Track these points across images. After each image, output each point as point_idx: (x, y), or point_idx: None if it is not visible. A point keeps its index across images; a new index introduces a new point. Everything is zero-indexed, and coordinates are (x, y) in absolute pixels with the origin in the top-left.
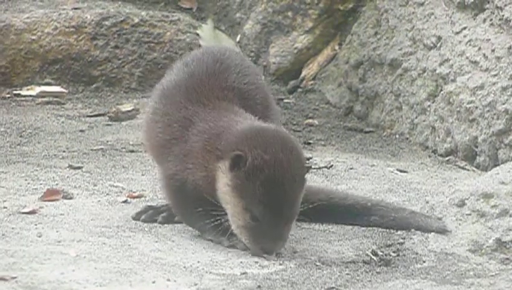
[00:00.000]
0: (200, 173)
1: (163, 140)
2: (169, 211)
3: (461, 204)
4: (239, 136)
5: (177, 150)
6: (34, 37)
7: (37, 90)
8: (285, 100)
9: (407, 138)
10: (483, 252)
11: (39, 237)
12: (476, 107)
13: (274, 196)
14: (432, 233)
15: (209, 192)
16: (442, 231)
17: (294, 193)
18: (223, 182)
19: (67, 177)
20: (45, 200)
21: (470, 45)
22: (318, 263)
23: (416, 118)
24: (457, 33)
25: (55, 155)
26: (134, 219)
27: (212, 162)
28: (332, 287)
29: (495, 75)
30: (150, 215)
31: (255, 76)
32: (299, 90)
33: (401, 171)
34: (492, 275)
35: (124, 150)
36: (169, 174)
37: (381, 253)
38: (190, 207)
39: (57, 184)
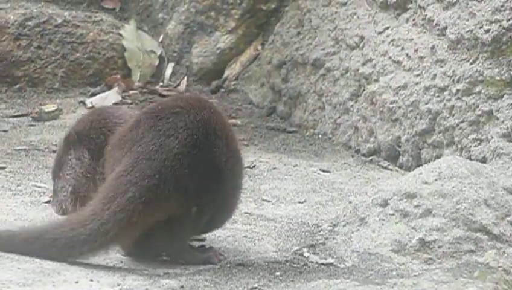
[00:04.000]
0: None
1: None
2: None
3: (384, 204)
4: None
5: None
6: None
7: None
8: None
9: (330, 138)
10: (406, 252)
11: None
12: (399, 107)
13: None
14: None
15: None
16: None
17: None
18: None
19: None
20: None
21: (392, 44)
22: (241, 263)
23: (339, 117)
24: (380, 33)
25: None
26: None
27: None
28: (255, 287)
29: (418, 75)
30: None
31: None
32: (222, 90)
33: (324, 171)
34: (415, 275)
35: (47, 150)
36: None
37: (305, 253)
38: None
39: None
